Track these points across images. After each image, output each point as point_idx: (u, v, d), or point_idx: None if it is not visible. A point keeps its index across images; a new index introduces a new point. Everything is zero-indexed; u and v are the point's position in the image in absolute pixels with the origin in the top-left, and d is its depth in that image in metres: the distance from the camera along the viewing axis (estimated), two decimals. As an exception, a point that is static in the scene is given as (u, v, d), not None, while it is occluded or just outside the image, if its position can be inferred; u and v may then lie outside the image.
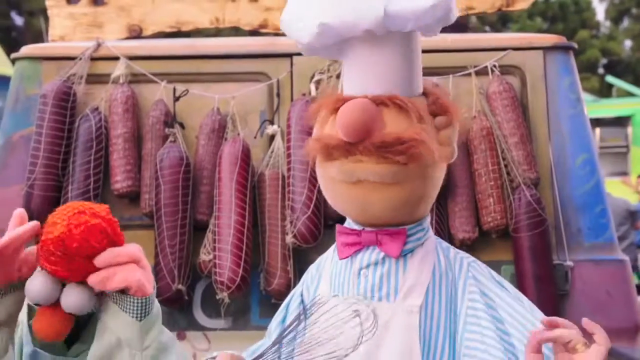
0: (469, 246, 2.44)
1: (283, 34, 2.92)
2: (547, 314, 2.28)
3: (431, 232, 1.47)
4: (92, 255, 1.20)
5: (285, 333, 1.37)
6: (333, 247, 1.52)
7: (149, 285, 1.23)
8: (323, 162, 1.41)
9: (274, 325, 1.58)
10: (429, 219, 1.47)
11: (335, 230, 1.47)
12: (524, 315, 1.41)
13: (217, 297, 2.37)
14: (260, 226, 2.47)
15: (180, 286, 2.40)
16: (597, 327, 1.29)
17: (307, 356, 1.33)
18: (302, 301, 1.54)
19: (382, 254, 1.41)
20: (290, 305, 1.57)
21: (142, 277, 1.21)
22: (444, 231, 2.44)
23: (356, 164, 1.35)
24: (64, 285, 1.22)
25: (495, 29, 21.70)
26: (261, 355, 1.34)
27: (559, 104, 2.56)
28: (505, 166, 2.48)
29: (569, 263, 2.45)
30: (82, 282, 1.22)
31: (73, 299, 1.22)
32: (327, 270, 1.50)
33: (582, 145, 2.54)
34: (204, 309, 2.51)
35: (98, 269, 1.19)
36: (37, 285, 1.20)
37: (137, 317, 1.22)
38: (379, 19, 1.32)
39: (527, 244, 2.39)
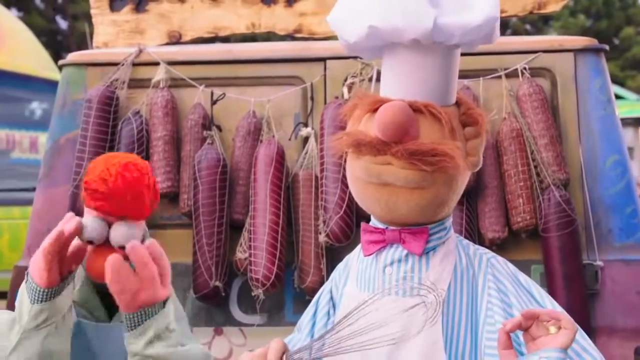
0: (498, 245, 2.48)
1: (317, 39, 3.00)
2: (576, 313, 2.33)
3: (452, 231, 1.52)
4: (128, 188, 1.38)
5: (342, 321, 1.40)
6: (359, 246, 1.58)
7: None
8: (351, 160, 1.46)
9: (306, 321, 1.64)
10: (451, 219, 1.52)
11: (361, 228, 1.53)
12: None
13: (253, 294, 2.45)
14: (294, 225, 2.54)
15: (217, 283, 2.48)
16: (562, 313, 1.33)
17: (363, 338, 1.35)
18: (332, 297, 1.59)
19: (405, 252, 1.47)
20: (320, 301, 1.62)
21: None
22: (473, 231, 2.47)
23: (383, 166, 1.40)
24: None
25: (536, 27, 21.39)
26: (319, 339, 1.39)
27: (590, 105, 2.58)
28: (535, 167, 2.51)
29: (599, 263, 2.46)
30: (126, 219, 1.38)
31: (120, 232, 1.37)
32: (354, 268, 1.56)
33: (612, 147, 2.55)
34: (240, 305, 2.59)
35: (137, 204, 1.39)
36: (88, 222, 1.36)
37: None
38: (428, 30, 1.38)
39: (557, 244, 2.42)
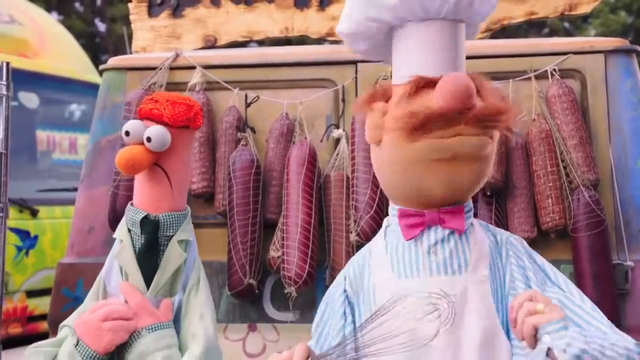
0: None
1: (349, 42, 3.04)
2: (605, 312, 2.33)
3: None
4: (168, 97, 1.66)
5: (365, 325, 1.44)
6: (372, 243, 1.61)
7: None
8: (406, 142, 1.46)
9: (318, 321, 1.63)
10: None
11: (396, 214, 1.55)
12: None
13: (286, 292, 2.51)
14: (325, 225, 2.60)
15: (251, 281, 2.55)
16: (537, 294, 1.39)
17: (386, 344, 1.40)
18: (347, 297, 1.59)
19: (446, 231, 1.51)
20: (331, 304, 1.61)
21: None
22: (503, 231, 2.51)
23: (452, 139, 1.43)
24: None
25: (574, 25, 21.07)
26: (341, 344, 1.44)
27: (620, 106, 2.58)
28: (564, 168, 2.53)
29: (629, 263, 2.47)
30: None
31: (154, 129, 1.60)
32: (385, 257, 1.56)
33: (643, 147, 2.56)
34: (273, 302, 2.66)
35: (173, 110, 1.64)
36: (130, 121, 1.61)
37: None
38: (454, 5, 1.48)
39: (586, 244, 2.43)
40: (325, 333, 1.60)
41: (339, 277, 1.65)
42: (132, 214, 1.65)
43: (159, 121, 1.62)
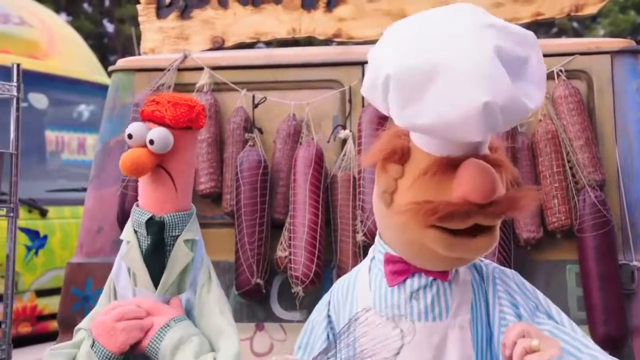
0: (533, 246, 2.51)
1: (355, 43, 3.07)
2: (612, 312, 2.35)
3: None
4: (170, 98, 1.67)
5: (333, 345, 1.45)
6: (359, 270, 1.59)
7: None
8: (418, 228, 1.38)
9: (303, 343, 1.63)
10: None
11: (382, 258, 1.52)
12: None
13: (293, 291, 2.53)
14: (332, 225, 2.61)
15: (258, 280, 2.57)
16: (529, 329, 1.35)
17: None
18: (330, 321, 1.59)
19: (430, 278, 1.49)
20: (315, 329, 1.61)
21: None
22: (508, 231, 2.51)
23: (464, 240, 1.37)
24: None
25: (583, 24, 20.99)
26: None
27: (626, 107, 2.59)
28: (571, 168, 2.53)
29: (635, 263, 2.48)
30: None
31: (156, 131, 1.61)
32: (366, 293, 1.55)
33: (649, 148, 2.57)
34: (280, 302, 2.68)
35: (175, 111, 1.64)
36: (133, 123, 1.64)
37: None
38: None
39: (592, 244, 2.44)
40: (306, 356, 1.61)
41: (323, 301, 1.65)
42: (138, 216, 1.67)
43: (161, 123, 1.63)
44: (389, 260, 1.52)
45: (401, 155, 1.41)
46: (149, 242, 1.65)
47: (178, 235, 1.67)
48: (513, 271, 1.57)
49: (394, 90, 1.31)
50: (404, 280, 1.50)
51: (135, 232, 1.68)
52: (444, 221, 1.35)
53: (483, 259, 1.58)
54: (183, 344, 1.60)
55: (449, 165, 1.36)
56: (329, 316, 1.61)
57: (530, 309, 1.51)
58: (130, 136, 1.63)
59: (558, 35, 19.73)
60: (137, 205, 1.70)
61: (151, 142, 1.62)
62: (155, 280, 1.66)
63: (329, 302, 1.63)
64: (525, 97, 1.31)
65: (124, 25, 18.14)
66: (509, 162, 1.43)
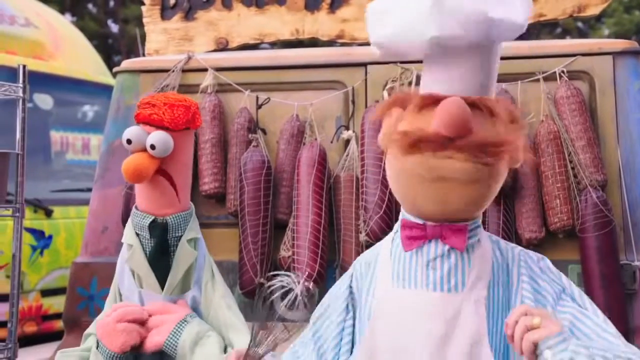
0: (535, 245, 2.52)
1: (358, 44, 3.08)
2: (613, 311, 2.37)
3: (482, 228, 1.59)
4: (166, 100, 1.69)
5: None
6: (382, 244, 1.63)
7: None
8: (402, 156, 1.49)
9: (320, 313, 1.72)
10: (481, 217, 1.59)
11: (399, 223, 1.58)
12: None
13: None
14: (335, 225, 2.63)
15: (262, 280, 2.59)
16: (531, 308, 1.42)
17: None
18: (352, 292, 1.65)
19: (447, 247, 1.52)
20: (338, 297, 1.69)
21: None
22: (511, 231, 2.53)
23: (442, 160, 1.44)
24: None
25: (588, 24, 20.96)
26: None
27: (628, 107, 2.60)
28: (572, 169, 2.54)
29: (637, 263, 2.49)
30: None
31: (156, 135, 1.57)
32: (387, 266, 1.60)
33: (651, 148, 2.58)
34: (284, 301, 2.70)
35: (172, 115, 1.68)
36: (130, 128, 1.67)
37: None
38: (484, 34, 1.45)
39: (594, 244, 2.45)
40: (325, 325, 1.65)
41: (347, 273, 1.70)
42: (139, 219, 1.68)
43: (159, 126, 1.63)
44: (405, 225, 1.57)
45: (402, 100, 1.55)
46: (152, 245, 1.67)
47: (181, 236, 1.69)
48: (539, 255, 1.61)
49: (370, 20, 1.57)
50: (421, 247, 1.54)
51: (138, 235, 1.69)
52: (419, 149, 1.46)
53: (506, 241, 1.61)
54: (201, 338, 1.63)
55: (435, 103, 1.47)
56: (350, 287, 1.67)
57: (555, 292, 1.54)
58: (129, 141, 1.63)
59: (562, 35, 19.71)
60: (137, 209, 1.70)
61: (152, 146, 1.62)
62: (161, 281, 1.68)
63: (352, 274, 1.68)
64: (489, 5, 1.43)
65: (128, 26, 18.19)
66: (500, 109, 1.49)
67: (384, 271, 1.61)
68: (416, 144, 1.46)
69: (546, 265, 1.59)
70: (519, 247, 1.60)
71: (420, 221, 1.55)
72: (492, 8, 1.43)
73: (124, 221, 2.70)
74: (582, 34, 20.57)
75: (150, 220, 1.68)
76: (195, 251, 1.72)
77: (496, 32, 1.46)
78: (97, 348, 1.65)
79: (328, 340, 1.64)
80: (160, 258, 1.69)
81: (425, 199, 1.52)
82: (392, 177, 1.57)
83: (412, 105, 1.51)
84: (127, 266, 1.73)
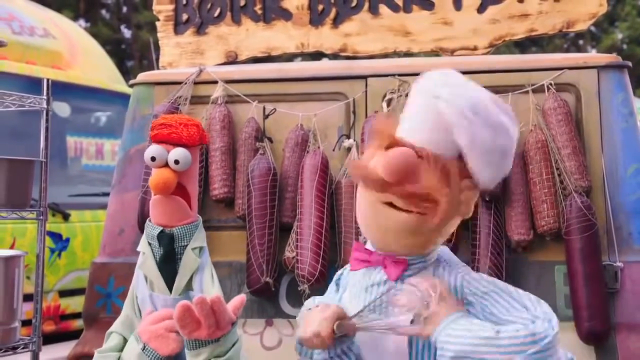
0: (524, 247, 2.68)
1: (360, 57, 3.25)
2: (596, 308, 2.53)
3: (434, 260, 1.68)
4: (181, 120, 1.86)
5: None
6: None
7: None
8: (362, 189, 1.64)
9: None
10: (435, 253, 1.69)
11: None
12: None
13: (299, 289, 2.69)
14: (337, 227, 2.78)
15: (268, 279, 2.73)
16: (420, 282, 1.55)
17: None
18: (338, 281, 1.84)
19: (385, 277, 1.64)
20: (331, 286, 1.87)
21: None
22: (501, 234, 2.68)
23: (384, 207, 1.56)
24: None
25: (601, 28, 20.95)
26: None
27: (612, 118, 2.74)
28: (559, 175, 2.69)
29: (619, 264, 2.63)
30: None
31: (176, 152, 1.80)
32: (348, 278, 1.78)
33: (633, 156, 2.72)
34: (288, 299, 2.84)
35: (189, 132, 1.83)
36: (152, 147, 1.80)
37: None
38: None
39: (578, 246, 2.58)
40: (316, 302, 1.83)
41: (337, 274, 1.89)
42: (150, 230, 1.87)
43: (177, 143, 1.82)
44: (356, 248, 1.72)
45: (381, 133, 1.65)
46: (161, 253, 1.85)
47: (187, 245, 1.87)
48: (481, 276, 1.67)
49: None
50: (369, 270, 1.66)
51: (149, 244, 1.87)
52: (365, 185, 1.59)
53: (465, 269, 1.68)
54: None
55: (396, 145, 1.58)
56: (339, 278, 1.84)
57: (506, 305, 1.59)
58: (153, 158, 1.81)
59: (575, 39, 19.73)
60: (150, 221, 1.89)
61: (176, 162, 1.80)
62: (169, 284, 1.86)
63: (341, 274, 1.86)
64: None
65: (141, 31, 18.39)
66: (447, 165, 1.57)
67: (347, 282, 1.78)
68: (364, 181, 1.60)
69: (488, 279, 1.66)
70: (466, 271, 1.67)
71: (371, 247, 1.69)
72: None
73: (140, 224, 2.88)
74: (594, 38, 20.58)
75: (159, 231, 1.85)
76: (199, 259, 1.88)
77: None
78: (143, 351, 1.81)
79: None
80: (168, 264, 1.85)
81: (373, 236, 1.67)
82: (357, 205, 1.70)
83: (379, 143, 1.63)
84: (141, 272, 1.89)
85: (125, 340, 1.88)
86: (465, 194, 1.61)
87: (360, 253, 1.71)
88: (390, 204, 1.57)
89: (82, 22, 18.15)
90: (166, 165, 1.80)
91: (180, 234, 1.86)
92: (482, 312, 1.60)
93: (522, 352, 1.47)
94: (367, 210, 1.64)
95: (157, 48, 3.47)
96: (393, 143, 1.60)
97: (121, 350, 1.86)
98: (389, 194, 1.57)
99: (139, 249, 1.91)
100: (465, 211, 1.63)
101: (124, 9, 20.26)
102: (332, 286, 1.87)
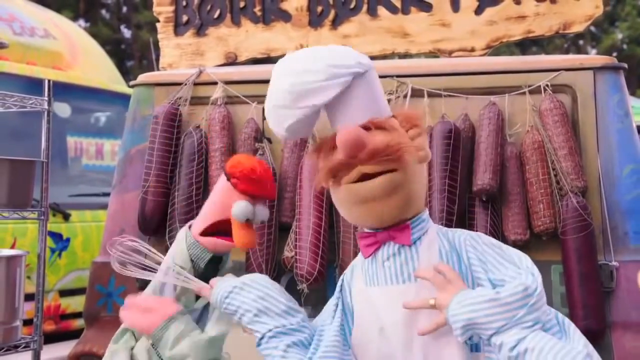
0: (520, 247, 2.69)
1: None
2: (592, 307, 2.56)
3: (431, 222, 1.81)
4: (269, 176, 1.97)
5: None
6: (359, 254, 1.87)
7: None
8: (334, 190, 1.76)
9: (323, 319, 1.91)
10: (427, 212, 1.81)
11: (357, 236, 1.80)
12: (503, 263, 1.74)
13: (298, 288, 2.72)
14: (335, 227, 2.80)
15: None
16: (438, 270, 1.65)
17: None
18: (342, 288, 1.87)
19: (397, 246, 1.75)
20: (328, 304, 1.92)
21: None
22: (498, 233, 2.70)
23: (360, 184, 1.69)
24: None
25: (601, 28, 21.01)
26: None
27: (608, 119, 2.77)
28: (555, 175, 2.72)
29: (614, 263, 2.66)
30: (264, 200, 1.96)
31: (263, 211, 1.95)
32: (360, 270, 1.84)
33: (629, 157, 2.75)
34: (287, 298, 2.88)
35: (273, 188, 2.02)
36: (244, 205, 1.92)
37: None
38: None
39: (574, 246, 2.61)
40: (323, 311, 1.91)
41: (341, 277, 1.94)
42: (199, 252, 1.99)
43: (262, 196, 1.95)
44: (361, 236, 1.82)
45: (320, 147, 1.81)
46: (201, 272, 1.98)
47: (225, 267, 2.07)
48: (480, 234, 1.81)
49: None
50: (376, 251, 1.77)
51: (192, 261, 1.98)
52: (335, 175, 1.72)
53: (455, 229, 1.82)
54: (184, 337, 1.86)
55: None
56: (342, 285, 1.89)
57: (497, 260, 1.74)
58: (248, 220, 1.93)
59: (575, 39, 19.78)
60: (197, 242, 1.98)
61: (262, 222, 1.97)
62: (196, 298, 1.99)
63: (343, 278, 1.91)
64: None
65: (141, 31, 18.44)
66: (391, 122, 1.74)
67: (358, 277, 1.85)
68: (332, 173, 1.72)
69: (488, 240, 1.78)
70: (464, 232, 1.80)
71: (372, 230, 1.79)
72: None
73: (140, 223, 2.91)
74: (594, 38, 20.63)
75: (210, 256, 1.98)
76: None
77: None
78: (152, 346, 1.90)
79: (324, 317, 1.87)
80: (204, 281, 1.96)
81: (363, 219, 1.78)
82: (339, 207, 1.83)
83: (325, 148, 1.76)
84: (171, 283, 1.97)
85: (134, 336, 1.95)
86: (417, 140, 1.75)
87: (366, 239, 1.79)
88: (362, 178, 1.68)
89: (81, 22, 18.20)
90: (248, 220, 1.92)
91: (225, 260, 2.05)
92: (478, 259, 1.73)
93: (524, 305, 1.60)
94: (347, 199, 1.74)
95: (157, 48, 3.49)
96: (335, 138, 1.72)
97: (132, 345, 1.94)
98: (358, 168, 1.68)
99: (173, 260, 1.97)
100: (425, 156, 1.77)
101: (124, 8, 20.31)
102: (332, 301, 1.91)
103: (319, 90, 1.71)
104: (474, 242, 1.77)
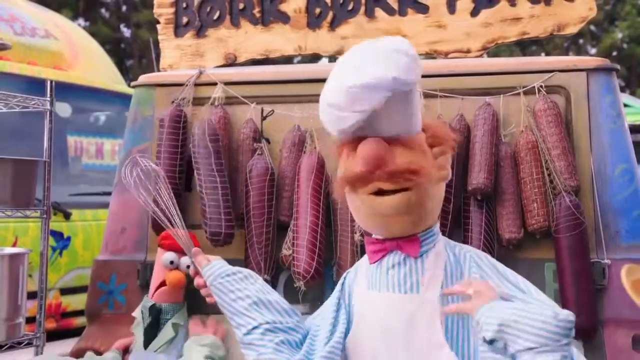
0: (514, 245, 2.75)
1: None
2: (584, 304, 2.61)
3: (440, 235, 1.83)
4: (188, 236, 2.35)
5: None
6: (365, 256, 1.90)
7: None
8: (350, 195, 1.78)
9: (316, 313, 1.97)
10: (437, 226, 1.82)
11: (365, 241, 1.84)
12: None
13: (296, 286, 2.75)
14: (333, 226, 2.84)
15: (266, 276, 2.79)
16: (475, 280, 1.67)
17: None
18: (343, 288, 1.92)
19: (403, 256, 1.78)
20: (335, 290, 1.96)
21: None
22: (492, 232, 2.75)
23: (376, 198, 1.70)
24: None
25: (601, 27, 21.02)
26: None
27: (601, 119, 2.81)
28: (549, 175, 2.76)
29: (607, 261, 2.71)
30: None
31: (187, 260, 2.32)
32: (363, 272, 1.88)
33: (621, 156, 2.79)
34: (285, 296, 2.86)
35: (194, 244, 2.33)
36: (168, 254, 2.60)
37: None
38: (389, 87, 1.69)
39: (567, 244, 2.65)
40: (322, 308, 1.94)
41: (343, 275, 1.99)
42: (145, 301, 2.61)
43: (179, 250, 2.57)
44: (369, 241, 1.85)
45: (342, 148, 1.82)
46: (149, 321, 2.53)
47: (169, 319, 2.54)
48: (485, 254, 1.84)
49: None
50: (382, 258, 1.80)
51: (142, 312, 2.57)
52: (353, 186, 1.74)
53: (463, 245, 1.84)
54: None
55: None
56: (343, 284, 1.93)
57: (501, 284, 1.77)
58: (172, 263, 2.60)
59: (575, 38, 19.80)
60: (147, 296, 2.61)
61: (187, 266, 2.44)
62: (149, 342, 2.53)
63: (346, 277, 1.96)
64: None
65: (140, 31, 18.46)
66: (418, 141, 1.74)
67: (361, 278, 1.89)
68: (350, 184, 1.74)
69: (492, 262, 1.82)
70: (471, 250, 1.83)
71: (381, 237, 1.82)
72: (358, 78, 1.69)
73: (153, 222, 2.93)
74: (594, 37, 20.65)
75: (151, 304, 2.57)
76: (174, 333, 2.53)
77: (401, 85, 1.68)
78: None
79: (324, 316, 1.90)
80: (152, 329, 2.53)
81: (376, 229, 1.80)
82: (352, 212, 1.85)
83: (344, 152, 1.78)
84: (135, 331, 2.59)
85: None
86: (439, 159, 1.76)
87: (374, 245, 1.83)
88: (379, 192, 1.69)
89: (81, 21, 18.22)
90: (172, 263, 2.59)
91: (166, 309, 2.58)
92: (481, 278, 1.77)
93: (568, 335, 1.62)
94: (362, 209, 1.74)
95: (157, 47, 3.52)
96: (356, 144, 1.73)
97: None
98: (374, 183, 1.70)
99: (134, 314, 2.62)
100: (445, 175, 1.78)
101: (124, 8, 20.33)
102: (335, 294, 1.95)
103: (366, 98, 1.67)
104: (479, 261, 1.80)
